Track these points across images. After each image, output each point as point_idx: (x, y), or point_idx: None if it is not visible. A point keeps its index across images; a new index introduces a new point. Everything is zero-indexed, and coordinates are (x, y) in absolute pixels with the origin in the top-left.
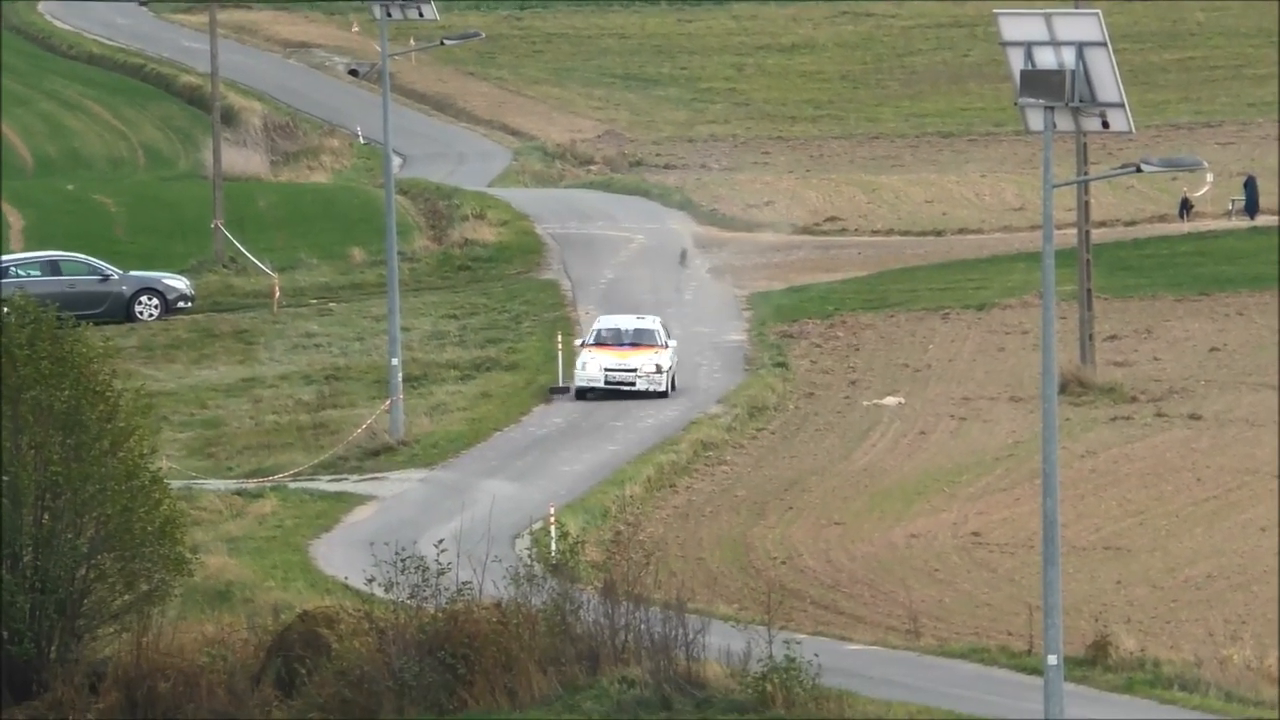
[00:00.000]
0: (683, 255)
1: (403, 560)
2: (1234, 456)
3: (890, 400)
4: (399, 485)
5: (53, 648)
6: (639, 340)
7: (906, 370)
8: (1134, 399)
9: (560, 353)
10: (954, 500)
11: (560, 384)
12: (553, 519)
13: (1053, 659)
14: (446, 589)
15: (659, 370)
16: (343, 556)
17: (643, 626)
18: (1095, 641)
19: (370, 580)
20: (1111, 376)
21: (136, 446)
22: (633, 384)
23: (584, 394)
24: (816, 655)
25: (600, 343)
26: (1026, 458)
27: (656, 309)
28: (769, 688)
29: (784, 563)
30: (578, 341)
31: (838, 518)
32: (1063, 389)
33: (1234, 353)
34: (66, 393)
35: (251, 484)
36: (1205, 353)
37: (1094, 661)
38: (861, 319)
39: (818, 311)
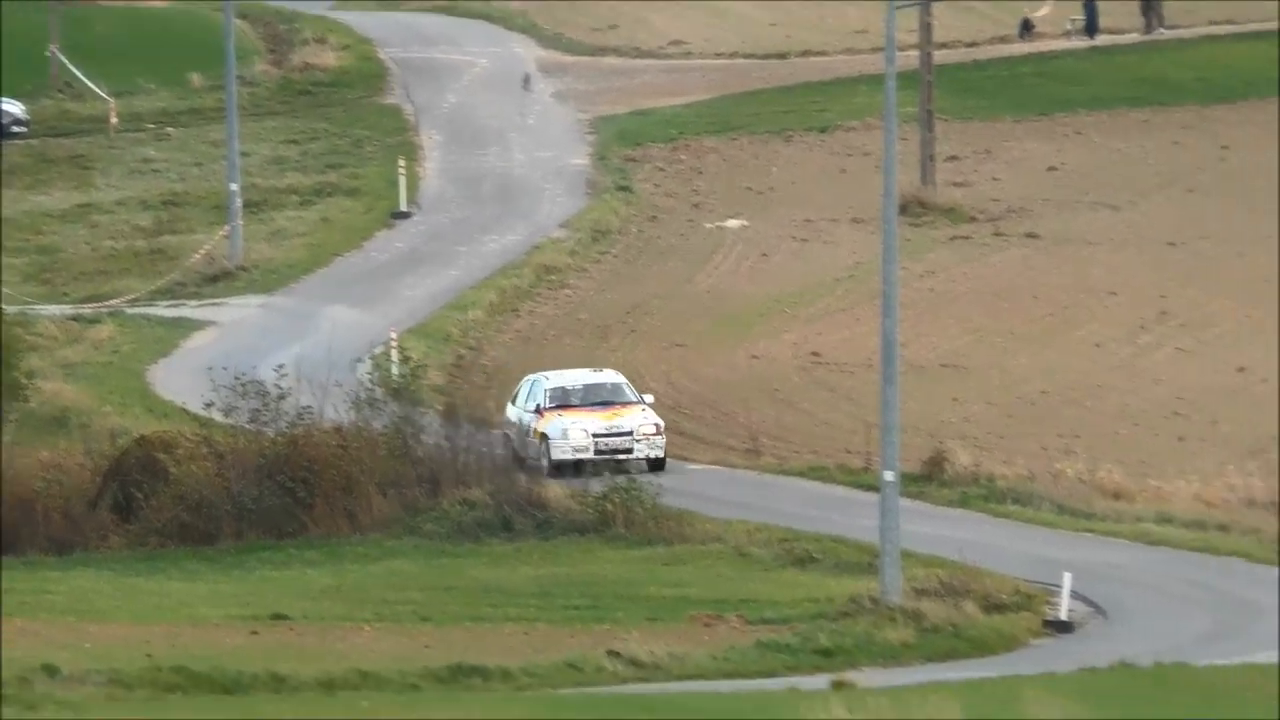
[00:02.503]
0: (526, 80)
1: (242, 385)
2: (1070, 275)
3: (733, 223)
4: (239, 311)
5: None
6: (615, 398)
7: (749, 193)
8: (973, 219)
9: (403, 177)
10: (795, 321)
11: (402, 209)
12: (394, 343)
13: (889, 475)
14: (286, 414)
15: (659, 431)
16: (181, 382)
17: (484, 449)
18: (931, 458)
19: (209, 405)
20: (951, 197)
21: None
22: (630, 451)
23: (564, 469)
24: (657, 475)
25: (561, 404)
26: (867, 278)
27: (500, 135)
28: (609, 508)
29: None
30: (532, 406)
31: (680, 340)
32: (903, 210)
33: (1071, 172)
34: None
35: (88, 310)
36: (1043, 172)
37: (930, 477)
38: (705, 143)
39: (661, 135)
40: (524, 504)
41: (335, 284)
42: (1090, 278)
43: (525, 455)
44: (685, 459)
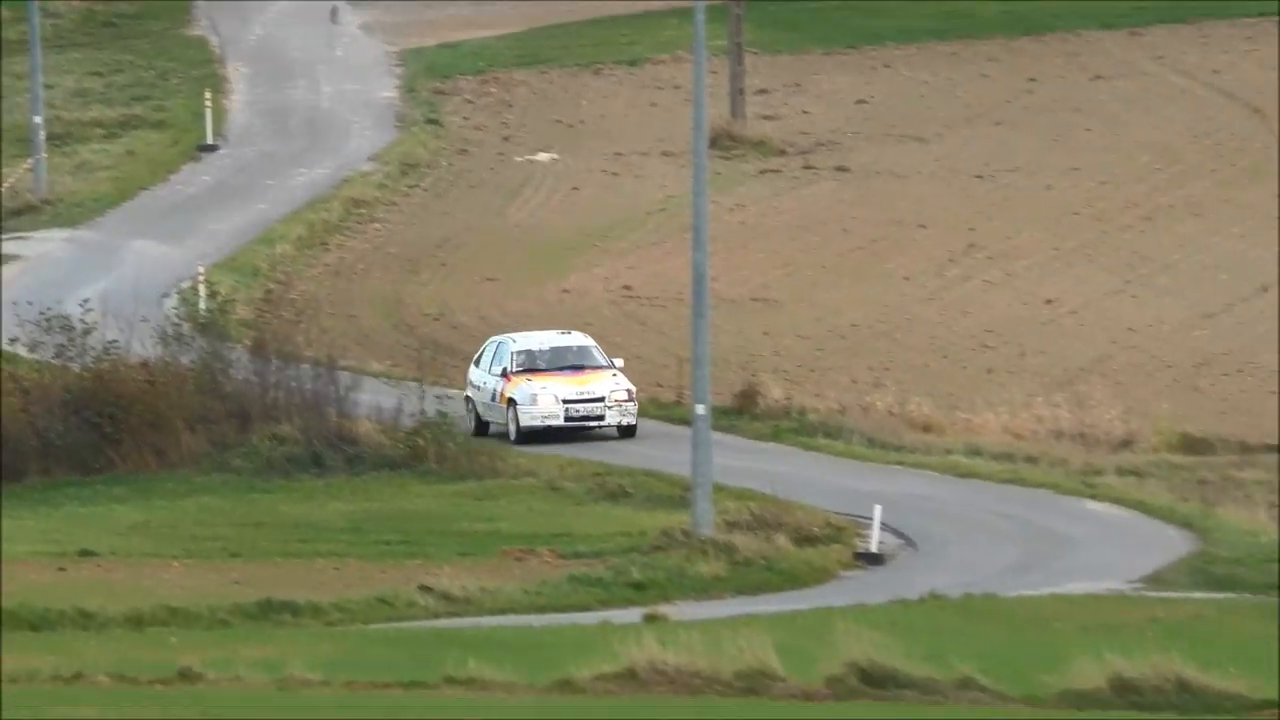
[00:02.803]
0: (334, 12)
1: (47, 320)
2: (879, 208)
3: (543, 156)
4: (43, 245)
5: None
6: (584, 362)
7: (559, 126)
8: (783, 152)
9: (209, 110)
10: (606, 255)
11: (209, 142)
12: (202, 278)
13: (701, 409)
14: (93, 349)
15: (630, 398)
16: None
17: (294, 384)
18: (743, 391)
19: (14, 340)
20: (761, 130)
21: None
22: (601, 417)
23: (532, 437)
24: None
25: (528, 368)
26: (677, 212)
27: (307, 67)
28: (421, 443)
29: (437, 319)
30: (498, 370)
31: (491, 274)
32: (713, 143)
33: (880, 105)
34: None
35: None
36: (852, 105)
37: (741, 411)
38: (514, 75)
39: (470, 68)
40: (335, 439)
41: (141, 218)
42: (899, 211)
43: (489, 420)
44: None
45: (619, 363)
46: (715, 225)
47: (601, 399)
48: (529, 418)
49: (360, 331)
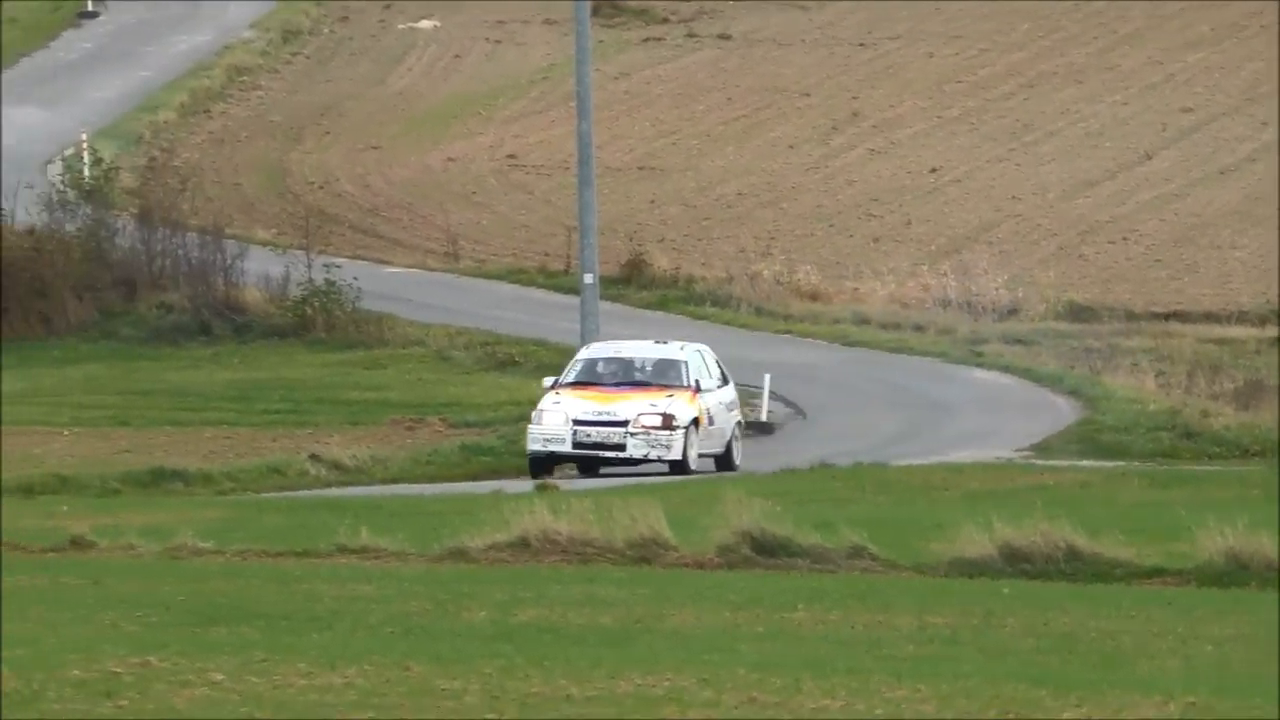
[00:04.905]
0: None
1: None
2: (762, 76)
3: (425, 23)
4: None
5: None
6: (651, 379)
7: None
8: (665, 20)
9: None
10: (490, 124)
11: (89, 8)
12: (85, 145)
13: (589, 278)
14: None
15: (668, 424)
16: None
17: (180, 252)
18: (630, 260)
19: None
20: None
21: None
22: (621, 447)
23: (541, 465)
24: (356, 279)
25: (583, 382)
26: (561, 80)
27: None
28: (309, 311)
29: (321, 187)
30: (547, 382)
31: (374, 142)
32: (595, 11)
33: None
34: None
35: None
36: None
37: (629, 280)
38: None
39: None
40: (222, 308)
41: (21, 84)
42: (782, 79)
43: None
44: (384, 262)
45: (715, 386)
46: (599, 94)
47: (624, 423)
48: (535, 440)
49: (245, 199)
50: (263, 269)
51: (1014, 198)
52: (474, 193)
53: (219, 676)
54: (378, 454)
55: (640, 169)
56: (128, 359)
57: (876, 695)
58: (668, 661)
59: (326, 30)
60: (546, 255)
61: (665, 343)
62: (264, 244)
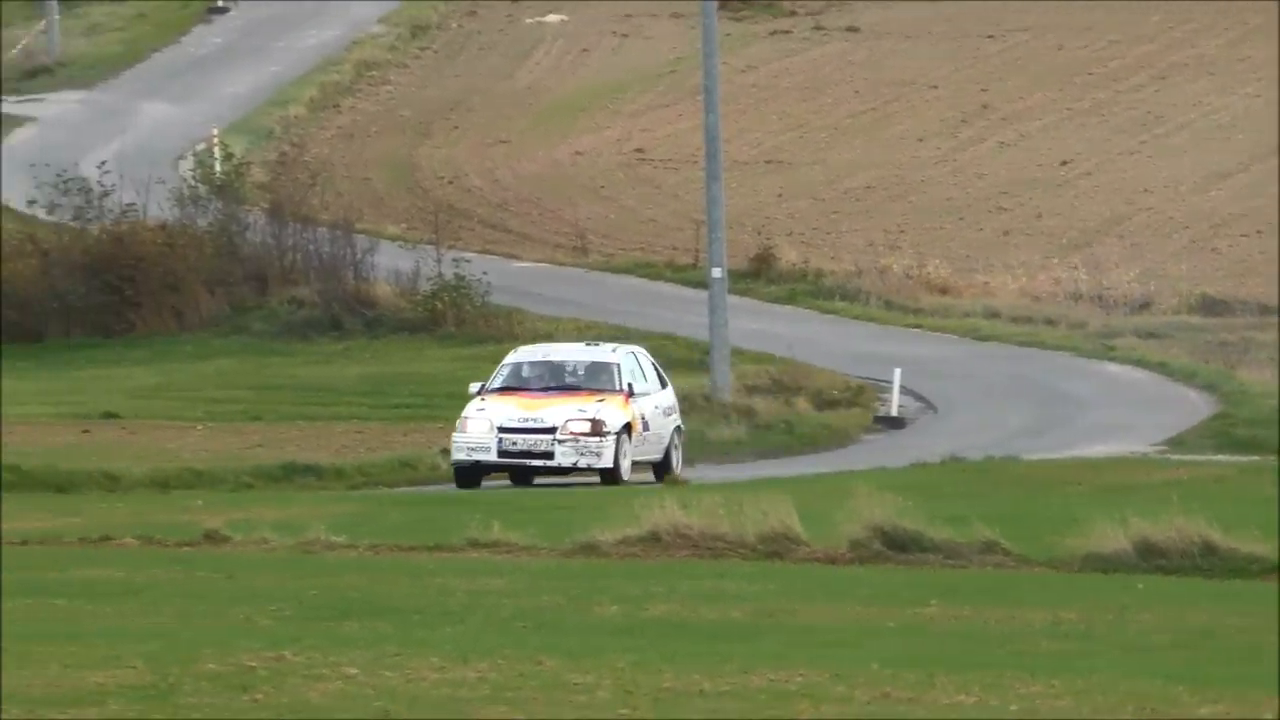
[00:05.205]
0: None
1: (65, 182)
2: (890, 69)
3: (553, 18)
4: (57, 107)
5: None
6: (582, 383)
7: None
8: (793, 13)
9: None
10: (618, 117)
11: (219, 3)
12: (216, 140)
13: (717, 272)
14: (110, 211)
15: (597, 431)
16: (2, 179)
17: (311, 247)
18: (758, 254)
19: (32, 203)
20: None
21: None
22: (549, 455)
23: (467, 476)
24: (485, 273)
25: (510, 387)
26: (688, 74)
27: None
28: (439, 306)
29: (450, 182)
30: (473, 388)
31: (502, 136)
32: (723, 4)
33: None
34: None
35: None
36: None
37: (758, 274)
38: None
39: None
40: (352, 303)
41: (153, 80)
42: (910, 71)
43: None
44: (513, 256)
45: (652, 390)
46: (726, 87)
47: (551, 430)
48: (458, 448)
49: (374, 194)
50: (392, 264)
51: (1145, 190)
52: (602, 187)
53: (352, 670)
54: None
55: (768, 162)
56: (259, 354)
57: (1010, 691)
58: (800, 656)
59: (455, 25)
60: (674, 249)
61: (597, 344)
62: (393, 239)
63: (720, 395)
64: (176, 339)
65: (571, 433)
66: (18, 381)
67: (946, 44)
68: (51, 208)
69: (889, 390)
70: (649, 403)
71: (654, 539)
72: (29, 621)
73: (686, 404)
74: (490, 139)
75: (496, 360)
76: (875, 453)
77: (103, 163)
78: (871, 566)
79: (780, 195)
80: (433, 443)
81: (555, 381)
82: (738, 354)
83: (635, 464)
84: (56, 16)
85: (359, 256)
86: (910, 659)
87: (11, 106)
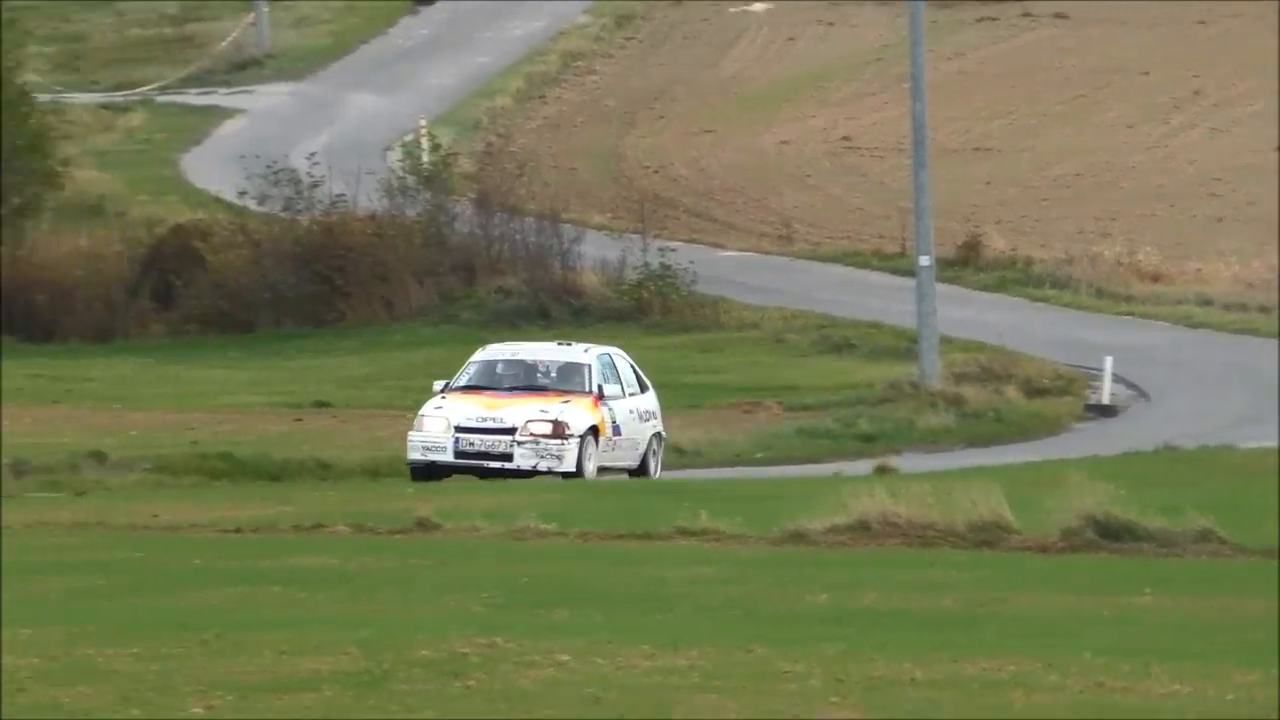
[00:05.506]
0: None
1: (275, 173)
2: (1100, 55)
3: (757, 6)
4: (267, 99)
5: None
6: (550, 384)
7: None
8: None
9: None
10: (823, 106)
11: None
12: (423, 131)
13: (925, 260)
14: (320, 201)
15: (559, 433)
16: (214, 170)
17: (518, 237)
18: (966, 242)
19: (243, 194)
20: None
21: (1, 61)
22: (508, 457)
23: (423, 477)
24: (691, 262)
25: (475, 386)
26: (894, 62)
27: None
28: (645, 295)
29: (656, 171)
30: (437, 386)
31: (707, 126)
32: None
33: None
34: None
35: (119, 97)
36: None
37: (965, 262)
38: None
39: None
40: (559, 292)
41: (360, 71)
42: (1120, 58)
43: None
44: (718, 245)
45: (630, 393)
46: (932, 74)
47: (511, 431)
48: (414, 447)
49: (580, 184)
50: (598, 253)
51: None
52: (808, 175)
53: (564, 657)
54: (716, 437)
55: (975, 150)
56: (468, 343)
57: (1227, 680)
58: (1012, 645)
59: (659, 15)
60: (881, 238)
61: (569, 344)
62: (599, 228)
63: (928, 383)
64: (386, 328)
65: (532, 434)
66: (229, 371)
67: (1157, 30)
68: (262, 199)
69: (1100, 378)
70: (623, 406)
71: (863, 527)
72: (244, 609)
73: (893, 391)
74: (695, 128)
75: (703, 349)
76: (1086, 441)
77: (312, 154)
78: (1083, 555)
79: (988, 183)
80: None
81: (521, 381)
82: (946, 342)
83: (607, 470)
84: (266, 10)
85: (565, 246)
86: (1124, 648)
87: (222, 99)
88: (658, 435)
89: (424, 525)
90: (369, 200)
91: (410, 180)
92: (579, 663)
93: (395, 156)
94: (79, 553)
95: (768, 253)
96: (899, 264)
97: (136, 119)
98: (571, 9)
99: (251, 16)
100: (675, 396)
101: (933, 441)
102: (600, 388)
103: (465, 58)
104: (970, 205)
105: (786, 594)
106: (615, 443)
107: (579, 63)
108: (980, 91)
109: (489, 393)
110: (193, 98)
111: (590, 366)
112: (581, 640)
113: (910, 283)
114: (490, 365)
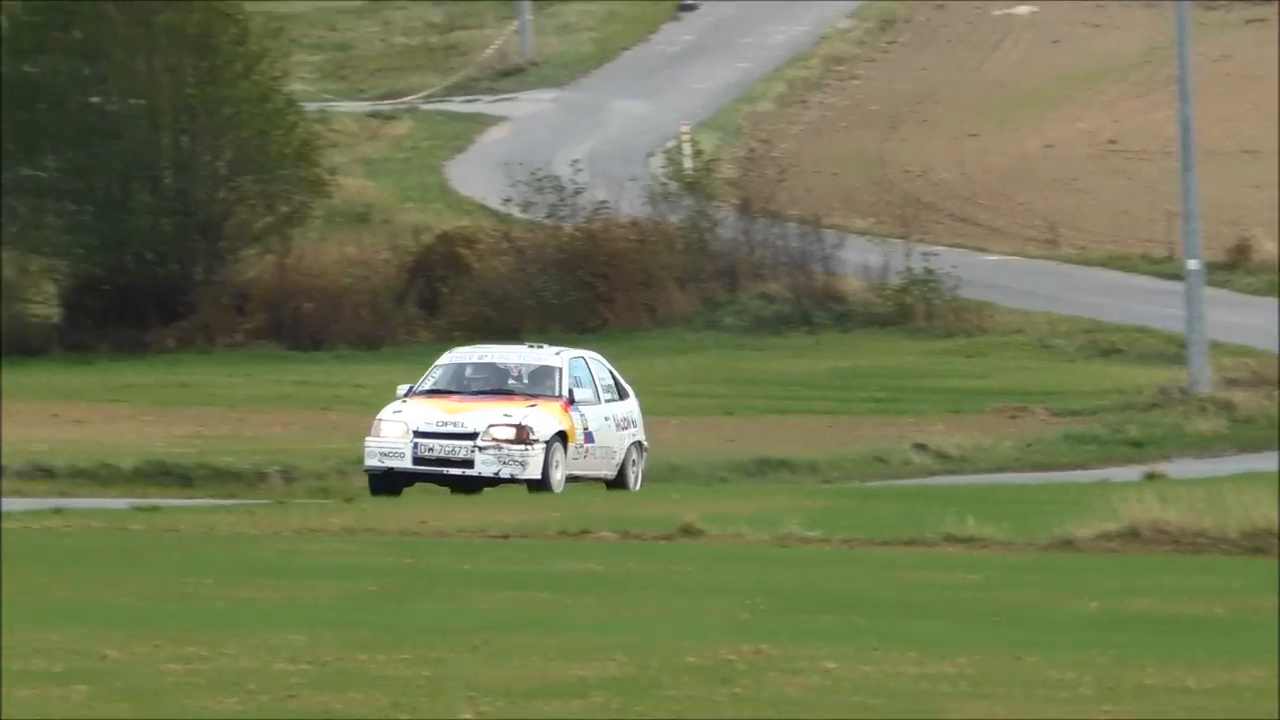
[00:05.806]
0: None
1: (539, 180)
2: None
3: (1022, 9)
4: (531, 106)
5: (198, 269)
6: (517, 389)
7: None
8: (1269, 0)
9: None
10: (1089, 109)
11: (688, 2)
12: (686, 136)
13: (1193, 264)
14: (583, 208)
15: (523, 438)
16: (479, 177)
17: (780, 242)
18: (1235, 245)
19: (507, 200)
20: None
21: (269, 69)
22: (469, 464)
23: (382, 485)
24: (955, 267)
25: (439, 390)
26: (1162, 64)
27: None
28: (908, 300)
29: (919, 175)
30: (401, 390)
31: (971, 129)
32: None
33: None
34: (197, 16)
35: (385, 106)
36: None
37: (1234, 265)
38: None
39: None
40: (822, 297)
41: (624, 77)
42: None
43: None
44: (982, 250)
45: (604, 399)
46: (1200, 76)
47: (472, 435)
48: (368, 455)
49: (842, 189)
50: (861, 258)
51: None
52: (1073, 179)
53: (831, 664)
54: (981, 443)
55: (1244, 152)
56: (731, 349)
57: None
58: None
59: (922, 18)
60: (1149, 242)
61: (540, 347)
62: (861, 233)
63: (1198, 388)
64: (649, 334)
65: (494, 439)
66: None
67: None
68: (526, 205)
69: None
70: (597, 413)
71: (1133, 535)
72: (510, 614)
73: (1162, 396)
74: (959, 132)
75: (968, 354)
76: None
77: (575, 160)
78: None
79: (1258, 186)
80: (904, 436)
81: (488, 385)
82: (1216, 347)
83: (579, 479)
84: (529, 17)
85: (827, 251)
86: None
87: (486, 106)
88: (638, 444)
89: (688, 531)
90: (631, 207)
91: (672, 186)
92: (845, 669)
93: (658, 162)
94: (349, 558)
95: (1033, 257)
96: (1167, 268)
97: (402, 127)
98: (834, 13)
99: (516, 24)
100: (939, 401)
101: (1202, 447)
102: (571, 392)
103: (727, 63)
104: (1239, 208)
105: (1055, 601)
106: (588, 450)
107: (841, 67)
108: (1249, 93)
109: (453, 396)
110: (457, 105)
111: (561, 370)
112: (848, 647)
113: (1178, 287)
114: (458, 369)
